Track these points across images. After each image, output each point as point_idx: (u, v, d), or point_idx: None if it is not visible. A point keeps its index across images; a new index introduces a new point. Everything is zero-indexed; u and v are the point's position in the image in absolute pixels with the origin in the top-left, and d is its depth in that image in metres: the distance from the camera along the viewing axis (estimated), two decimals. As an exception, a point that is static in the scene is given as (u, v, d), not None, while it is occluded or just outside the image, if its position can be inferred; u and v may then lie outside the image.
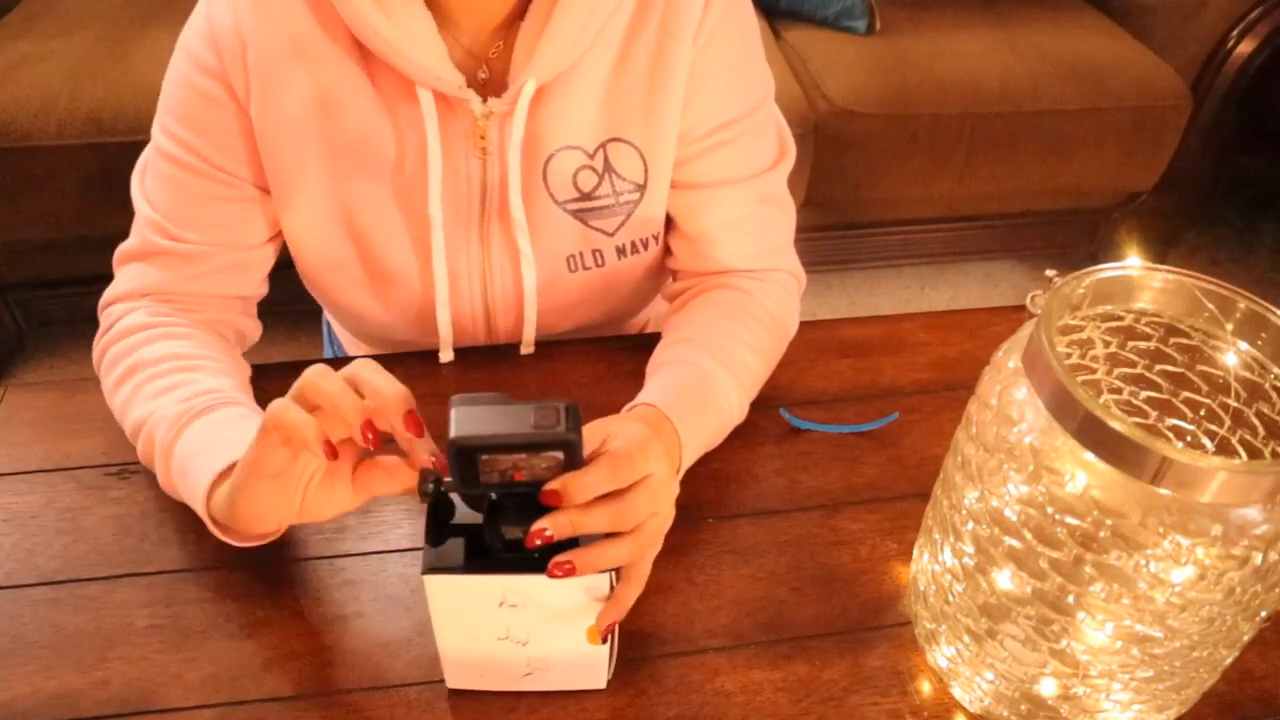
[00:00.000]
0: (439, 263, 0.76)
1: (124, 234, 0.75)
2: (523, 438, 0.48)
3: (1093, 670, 0.52)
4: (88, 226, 1.59)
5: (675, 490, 0.58)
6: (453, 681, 0.59)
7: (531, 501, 0.51)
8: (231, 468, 0.59)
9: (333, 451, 0.51)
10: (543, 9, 0.69)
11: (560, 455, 0.49)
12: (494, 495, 0.52)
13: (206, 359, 0.70)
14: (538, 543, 0.50)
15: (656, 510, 0.55)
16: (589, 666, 0.58)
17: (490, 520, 0.52)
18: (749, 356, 0.74)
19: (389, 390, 0.51)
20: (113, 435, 0.74)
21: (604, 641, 0.56)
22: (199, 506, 0.61)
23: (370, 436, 0.51)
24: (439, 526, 0.53)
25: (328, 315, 1.02)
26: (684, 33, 0.72)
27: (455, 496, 0.54)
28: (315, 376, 0.52)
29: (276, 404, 0.52)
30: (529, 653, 0.56)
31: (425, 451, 0.52)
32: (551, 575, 0.51)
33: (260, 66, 0.69)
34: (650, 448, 0.55)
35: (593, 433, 0.57)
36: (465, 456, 0.48)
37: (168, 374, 0.68)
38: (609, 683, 0.60)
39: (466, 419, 0.48)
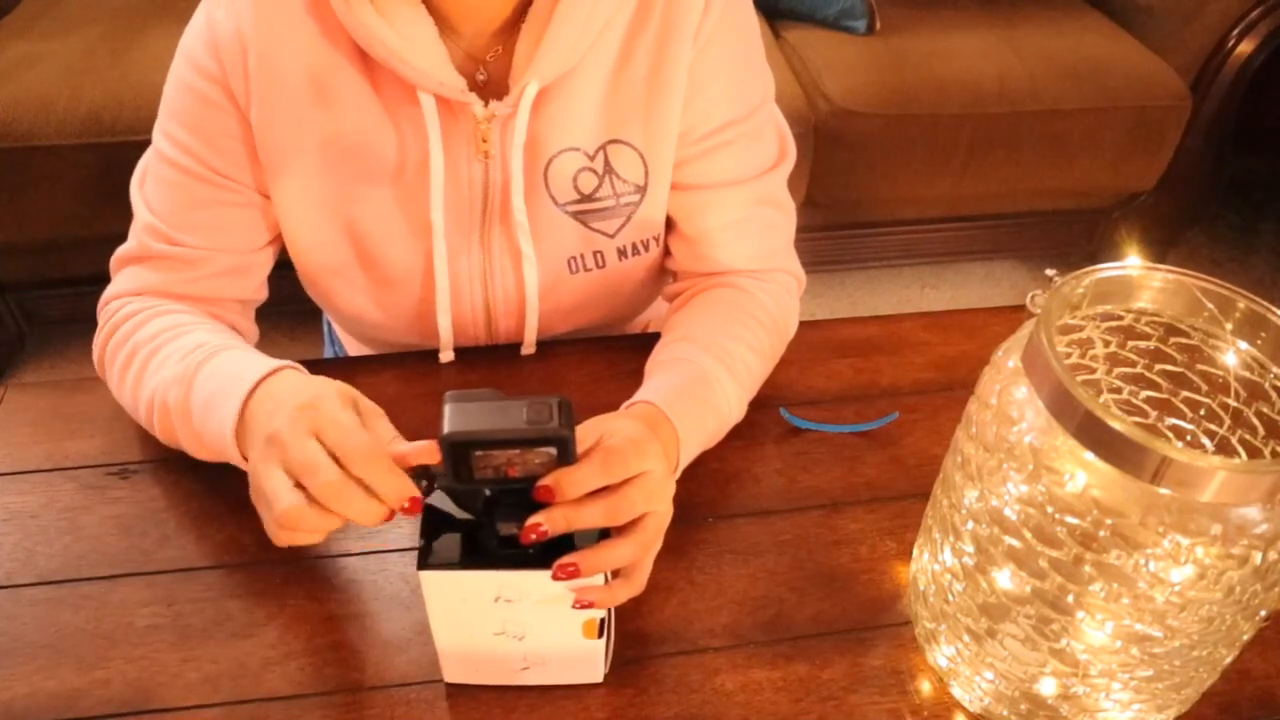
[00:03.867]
0: (440, 268, 0.76)
1: (124, 234, 0.75)
2: (515, 433, 0.48)
3: (1092, 670, 0.52)
4: (88, 226, 1.59)
5: (672, 488, 0.58)
6: (450, 676, 0.59)
7: (526, 497, 0.51)
8: (249, 397, 0.61)
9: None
10: (543, 11, 0.69)
11: (553, 451, 0.50)
12: (488, 491, 0.52)
13: (198, 323, 0.71)
14: (532, 538, 0.50)
15: (653, 508, 0.55)
16: (585, 661, 0.58)
17: (485, 516, 0.52)
18: (748, 355, 0.74)
19: (358, 455, 0.53)
20: (113, 435, 0.74)
21: (600, 636, 0.56)
22: (231, 452, 0.62)
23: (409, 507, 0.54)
24: (434, 522, 0.53)
25: (328, 316, 1.02)
26: (684, 34, 0.72)
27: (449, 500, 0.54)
28: (317, 477, 0.53)
29: (291, 511, 0.53)
30: (525, 647, 0.56)
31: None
32: (556, 578, 0.51)
33: (261, 71, 0.69)
34: (645, 445, 0.55)
35: (589, 430, 0.57)
36: (458, 452, 0.48)
37: (163, 345, 0.69)
38: (607, 679, 0.60)
39: (459, 415, 0.48)
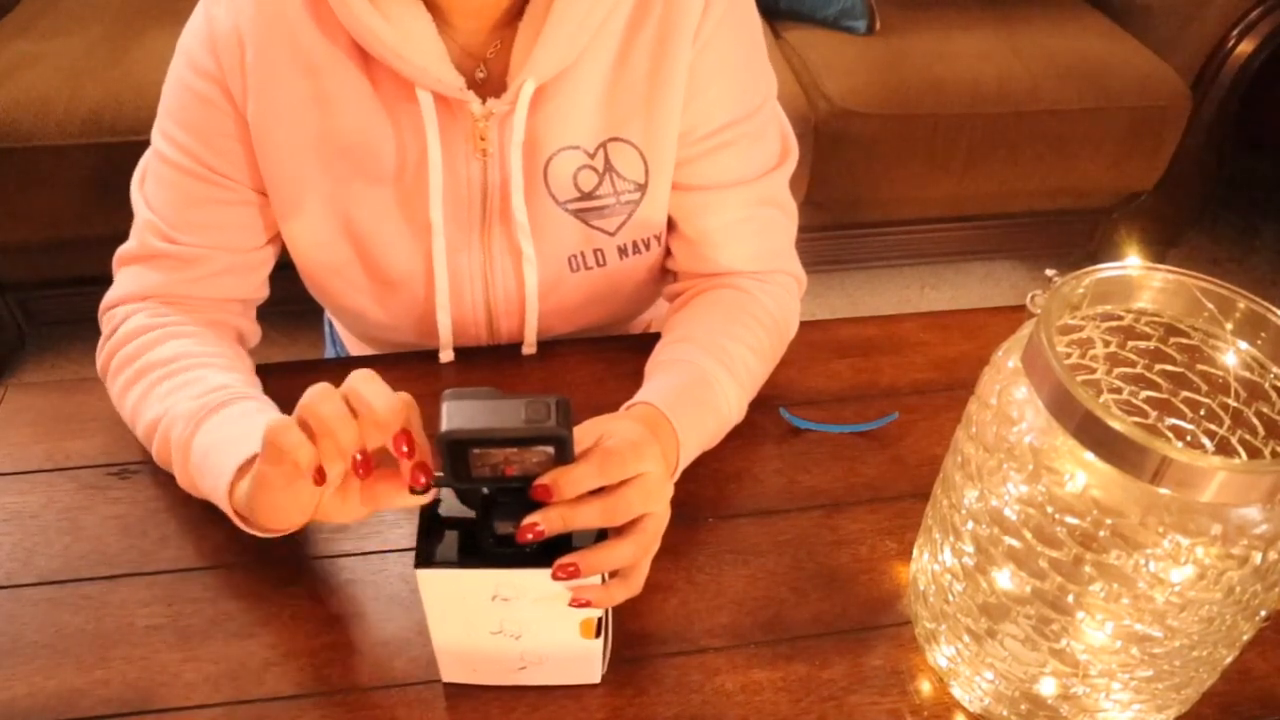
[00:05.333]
0: (440, 267, 0.76)
1: (124, 234, 0.75)
2: (513, 432, 0.48)
3: (1092, 670, 0.52)
4: (88, 226, 1.59)
5: (669, 490, 0.57)
6: (448, 675, 0.59)
7: (523, 496, 0.51)
8: (251, 460, 0.60)
9: (321, 478, 0.52)
10: (540, 8, 0.69)
11: (551, 450, 0.50)
12: (485, 490, 0.52)
13: (215, 356, 0.71)
14: (529, 537, 0.50)
15: (651, 509, 0.55)
16: (583, 661, 0.58)
17: (482, 515, 0.52)
18: (748, 356, 0.74)
19: (382, 407, 0.51)
20: (113, 435, 0.74)
21: (597, 636, 0.56)
22: (222, 501, 0.61)
23: (361, 471, 0.52)
24: (432, 521, 0.53)
25: (330, 315, 1.02)
26: (683, 33, 0.72)
27: (449, 493, 0.54)
28: (315, 400, 0.51)
29: (275, 425, 0.51)
30: (522, 647, 0.56)
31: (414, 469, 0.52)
32: (556, 578, 0.51)
33: (259, 69, 0.69)
34: (644, 446, 0.55)
35: (588, 430, 0.57)
36: (456, 450, 0.48)
37: (178, 373, 0.68)
38: (607, 679, 0.60)
39: (458, 413, 0.48)
